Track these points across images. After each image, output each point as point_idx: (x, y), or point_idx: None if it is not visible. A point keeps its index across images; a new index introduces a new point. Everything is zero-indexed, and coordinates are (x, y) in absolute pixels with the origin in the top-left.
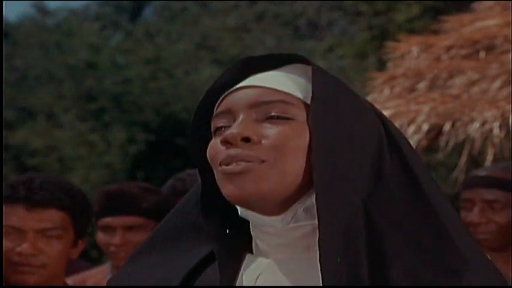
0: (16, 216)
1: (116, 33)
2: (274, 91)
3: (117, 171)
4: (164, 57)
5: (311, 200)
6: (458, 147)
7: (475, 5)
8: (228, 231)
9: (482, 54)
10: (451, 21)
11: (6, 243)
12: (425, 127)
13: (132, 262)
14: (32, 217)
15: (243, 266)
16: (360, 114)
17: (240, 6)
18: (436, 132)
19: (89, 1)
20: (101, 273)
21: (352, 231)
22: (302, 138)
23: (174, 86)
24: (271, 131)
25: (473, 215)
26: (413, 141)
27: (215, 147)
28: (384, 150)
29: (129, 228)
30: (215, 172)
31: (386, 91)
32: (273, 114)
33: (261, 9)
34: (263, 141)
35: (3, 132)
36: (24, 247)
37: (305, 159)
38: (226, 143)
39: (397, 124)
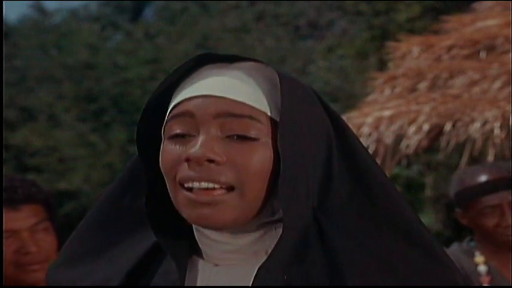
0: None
1: (116, 34)
2: (242, 105)
3: (117, 171)
4: (164, 58)
5: (266, 215)
6: (459, 148)
7: (476, 5)
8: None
9: (483, 54)
10: (451, 21)
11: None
12: (426, 127)
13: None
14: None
15: (190, 270)
16: (318, 121)
17: (240, 7)
18: (436, 132)
19: (88, 1)
20: None
21: (306, 245)
22: (266, 161)
23: None
24: (237, 153)
25: (509, 218)
26: (414, 142)
27: (172, 157)
28: (333, 151)
29: None
30: (170, 183)
31: (387, 91)
32: (238, 133)
33: (261, 10)
34: (229, 164)
35: (3, 132)
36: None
37: (267, 180)
38: (189, 160)
39: (397, 124)
